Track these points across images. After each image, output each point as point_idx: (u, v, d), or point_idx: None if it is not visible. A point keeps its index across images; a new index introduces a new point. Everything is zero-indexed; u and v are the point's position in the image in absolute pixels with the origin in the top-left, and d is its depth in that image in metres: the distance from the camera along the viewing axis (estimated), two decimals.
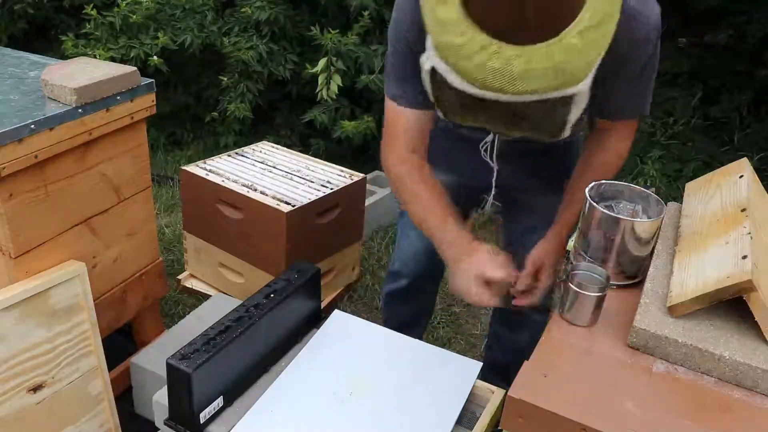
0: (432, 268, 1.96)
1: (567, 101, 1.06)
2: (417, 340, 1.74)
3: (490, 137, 1.61)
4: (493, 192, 1.71)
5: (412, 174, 1.46)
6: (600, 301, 1.29)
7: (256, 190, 2.38)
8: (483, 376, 1.61)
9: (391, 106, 1.47)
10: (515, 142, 1.48)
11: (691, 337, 1.19)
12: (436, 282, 2.10)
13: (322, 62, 3.28)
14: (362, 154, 3.70)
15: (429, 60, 1.10)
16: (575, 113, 1.11)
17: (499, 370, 1.96)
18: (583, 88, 1.05)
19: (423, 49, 1.13)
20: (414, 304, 2.06)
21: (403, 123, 1.46)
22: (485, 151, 1.64)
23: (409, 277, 1.96)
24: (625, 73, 1.35)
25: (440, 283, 2.09)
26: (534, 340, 1.95)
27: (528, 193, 1.71)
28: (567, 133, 1.15)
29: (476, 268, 1.36)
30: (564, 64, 1.00)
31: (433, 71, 1.10)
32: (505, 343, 2.02)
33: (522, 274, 1.43)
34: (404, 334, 1.86)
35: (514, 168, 1.65)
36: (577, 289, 1.29)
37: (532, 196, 1.71)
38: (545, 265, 1.46)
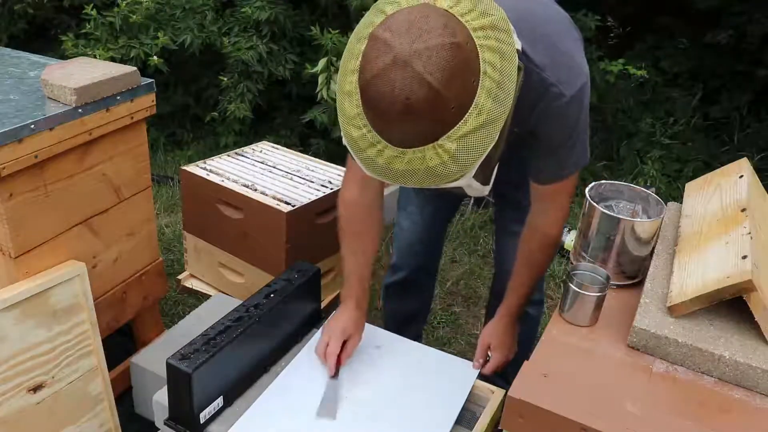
0: (428, 260, 1.99)
1: (457, 187, 1.08)
2: (416, 342, 1.75)
3: None
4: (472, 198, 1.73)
5: (353, 223, 1.58)
6: (600, 301, 1.29)
7: (256, 190, 2.38)
8: (482, 375, 1.61)
9: None
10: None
11: (691, 337, 1.19)
12: (433, 275, 2.13)
13: (322, 62, 3.27)
14: None
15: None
16: (473, 191, 1.14)
17: None
18: (463, 182, 1.07)
19: None
20: (412, 297, 2.07)
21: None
22: None
23: (406, 269, 1.97)
24: (539, 144, 1.36)
25: (438, 281, 2.10)
26: (529, 333, 1.95)
27: (515, 188, 1.72)
28: (485, 189, 1.16)
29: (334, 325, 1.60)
30: (439, 167, 1.03)
31: None
32: None
33: (477, 352, 1.65)
34: (404, 329, 1.86)
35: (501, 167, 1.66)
36: (577, 289, 1.29)
37: (522, 192, 1.72)
38: (492, 344, 1.64)
